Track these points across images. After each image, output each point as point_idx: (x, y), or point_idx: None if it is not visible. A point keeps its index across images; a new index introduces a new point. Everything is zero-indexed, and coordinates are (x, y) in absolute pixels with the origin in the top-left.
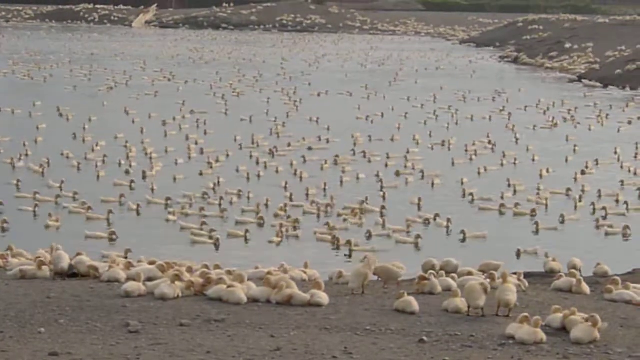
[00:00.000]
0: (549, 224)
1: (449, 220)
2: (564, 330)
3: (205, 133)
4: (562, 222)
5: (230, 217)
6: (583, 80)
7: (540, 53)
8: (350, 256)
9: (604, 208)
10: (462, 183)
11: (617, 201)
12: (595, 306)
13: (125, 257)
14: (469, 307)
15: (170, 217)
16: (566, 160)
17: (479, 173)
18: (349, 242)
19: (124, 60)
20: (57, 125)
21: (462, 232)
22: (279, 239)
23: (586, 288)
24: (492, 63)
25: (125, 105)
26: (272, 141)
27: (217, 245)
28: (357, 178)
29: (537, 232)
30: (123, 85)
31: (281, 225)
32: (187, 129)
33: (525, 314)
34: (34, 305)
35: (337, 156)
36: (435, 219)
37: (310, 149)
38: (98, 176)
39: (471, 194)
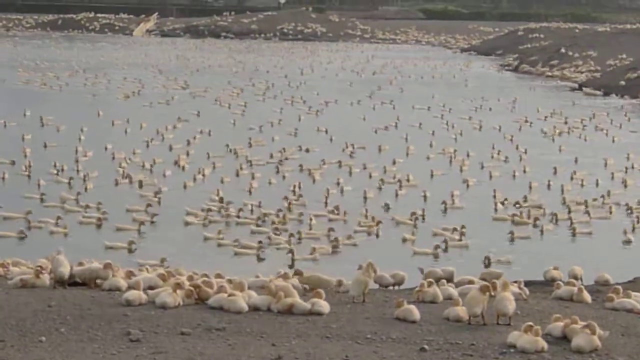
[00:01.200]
0: (524, 232)
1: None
2: (564, 339)
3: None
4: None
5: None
6: (584, 89)
7: (541, 61)
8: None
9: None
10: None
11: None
12: (596, 315)
13: (162, 264)
14: (469, 316)
15: (208, 233)
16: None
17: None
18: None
19: (136, 68)
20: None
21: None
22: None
23: (587, 296)
24: (492, 71)
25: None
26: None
27: (259, 257)
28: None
29: (512, 240)
30: (149, 93)
31: (335, 239)
32: (201, 141)
33: (530, 323)
34: (34, 314)
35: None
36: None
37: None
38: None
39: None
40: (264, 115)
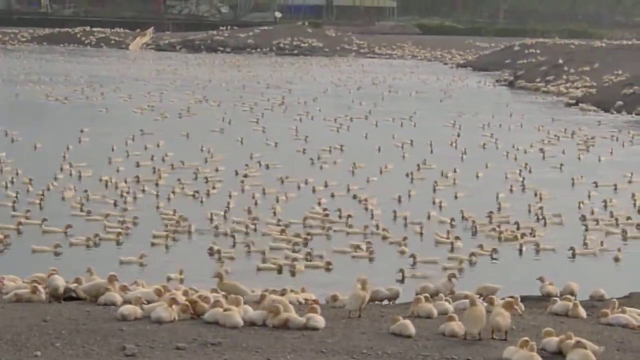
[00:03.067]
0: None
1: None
2: (560, 354)
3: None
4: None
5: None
6: (580, 104)
7: (537, 77)
8: None
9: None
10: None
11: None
12: (592, 330)
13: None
14: (465, 332)
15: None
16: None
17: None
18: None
19: (148, 82)
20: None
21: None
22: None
23: (582, 312)
24: (488, 87)
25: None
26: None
27: (293, 273)
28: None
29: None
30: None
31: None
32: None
33: (525, 338)
34: (29, 329)
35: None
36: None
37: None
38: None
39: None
40: (281, 129)
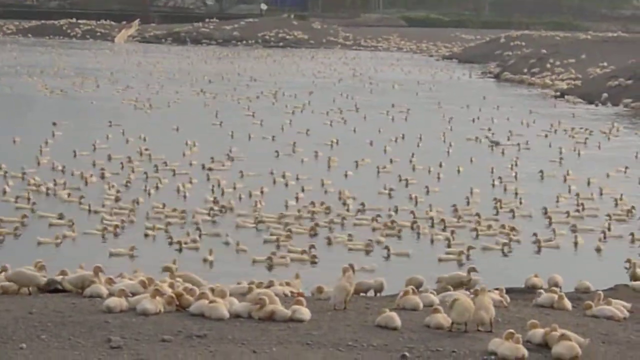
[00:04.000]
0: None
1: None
2: (545, 346)
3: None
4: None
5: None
6: (566, 97)
7: (523, 69)
8: None
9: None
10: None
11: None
12: (577, 322)
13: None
14: (452, 323)
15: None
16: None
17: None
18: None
19: (144, 75)
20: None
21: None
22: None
23: (568, 304)
24: (474, 79)
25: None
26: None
27: (314, 262)
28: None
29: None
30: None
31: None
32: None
33: (511, 330)
34: (15, 321)
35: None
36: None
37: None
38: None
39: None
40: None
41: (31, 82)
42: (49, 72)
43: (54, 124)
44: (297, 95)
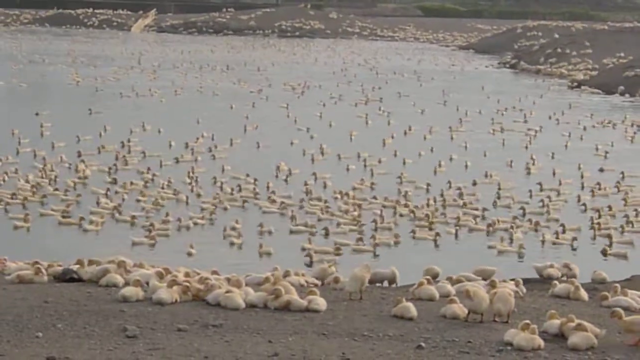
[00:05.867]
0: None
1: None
2: (561, 336)
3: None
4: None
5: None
6: (582, 87)
7: (539, 59)
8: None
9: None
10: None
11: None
12: (593, 312)
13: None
14: (468, 312)
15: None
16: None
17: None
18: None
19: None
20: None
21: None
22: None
23: (584, 294)
24: (490, 69)
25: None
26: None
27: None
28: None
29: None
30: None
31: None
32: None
33: (527, 321)
34: (31, 310)
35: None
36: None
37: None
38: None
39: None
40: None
41: (63, 70)
42: (82, 61)
43: (37, 114)
44: (339, 88)
